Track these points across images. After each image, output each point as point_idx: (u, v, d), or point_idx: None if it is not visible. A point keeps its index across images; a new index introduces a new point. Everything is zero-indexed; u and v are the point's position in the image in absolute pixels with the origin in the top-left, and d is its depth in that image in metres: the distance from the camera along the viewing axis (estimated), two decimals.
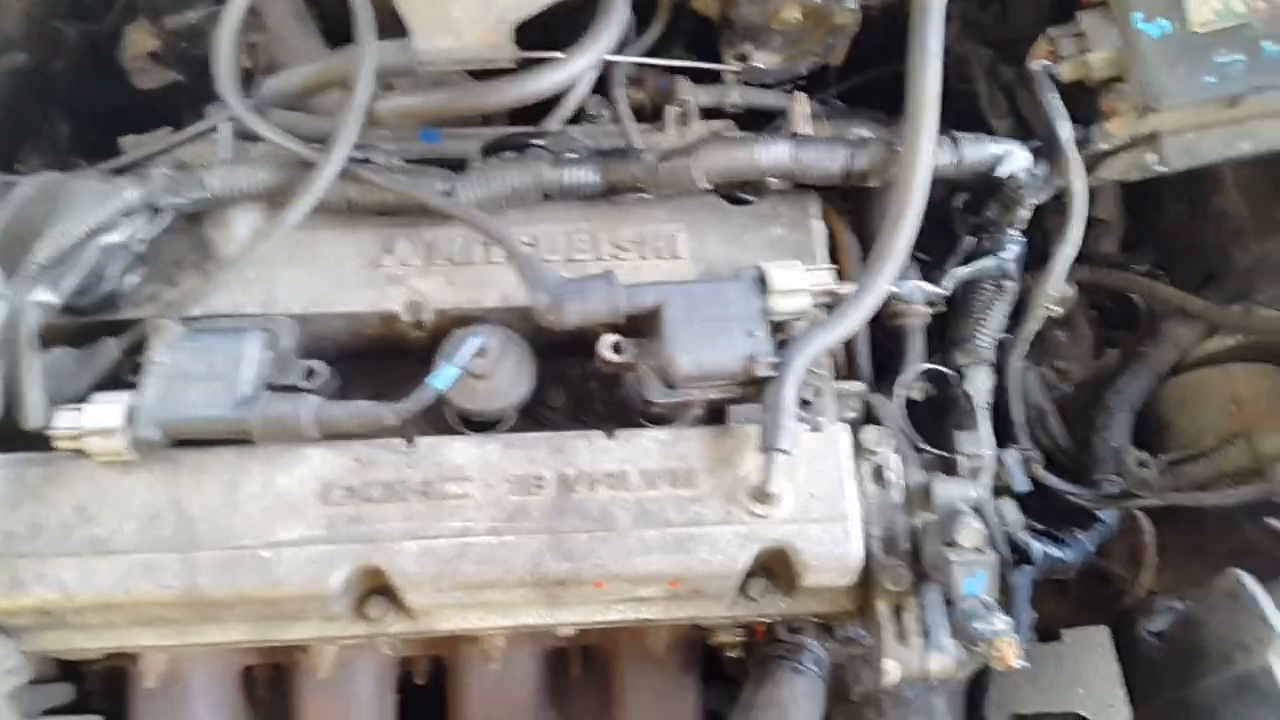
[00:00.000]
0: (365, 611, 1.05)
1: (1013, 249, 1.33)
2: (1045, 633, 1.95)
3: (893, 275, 1.09)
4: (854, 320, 1.07)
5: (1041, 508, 1.46)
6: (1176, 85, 1.21)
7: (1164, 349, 1.61)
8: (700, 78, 1.37)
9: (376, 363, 1.15)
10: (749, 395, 1.06)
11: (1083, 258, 1.69)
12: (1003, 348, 1.38)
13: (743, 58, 1.31)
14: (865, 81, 1.52)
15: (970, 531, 1.03)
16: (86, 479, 1.00)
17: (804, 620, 1.23)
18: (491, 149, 1.21)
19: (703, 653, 1.33)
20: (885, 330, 1.37)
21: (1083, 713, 1.60)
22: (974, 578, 1.02)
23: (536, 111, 1.27)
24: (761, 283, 1.08)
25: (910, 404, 1.26)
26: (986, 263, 1.32)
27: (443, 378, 0.98)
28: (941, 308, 1.38)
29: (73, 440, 0.98)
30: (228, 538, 0.99)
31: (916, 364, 1.30)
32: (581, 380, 1.20)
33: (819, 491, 1.05)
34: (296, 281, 1.11)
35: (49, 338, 1.02)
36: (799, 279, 1.08)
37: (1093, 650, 2.11)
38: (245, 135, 1.16)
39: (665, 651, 1.29)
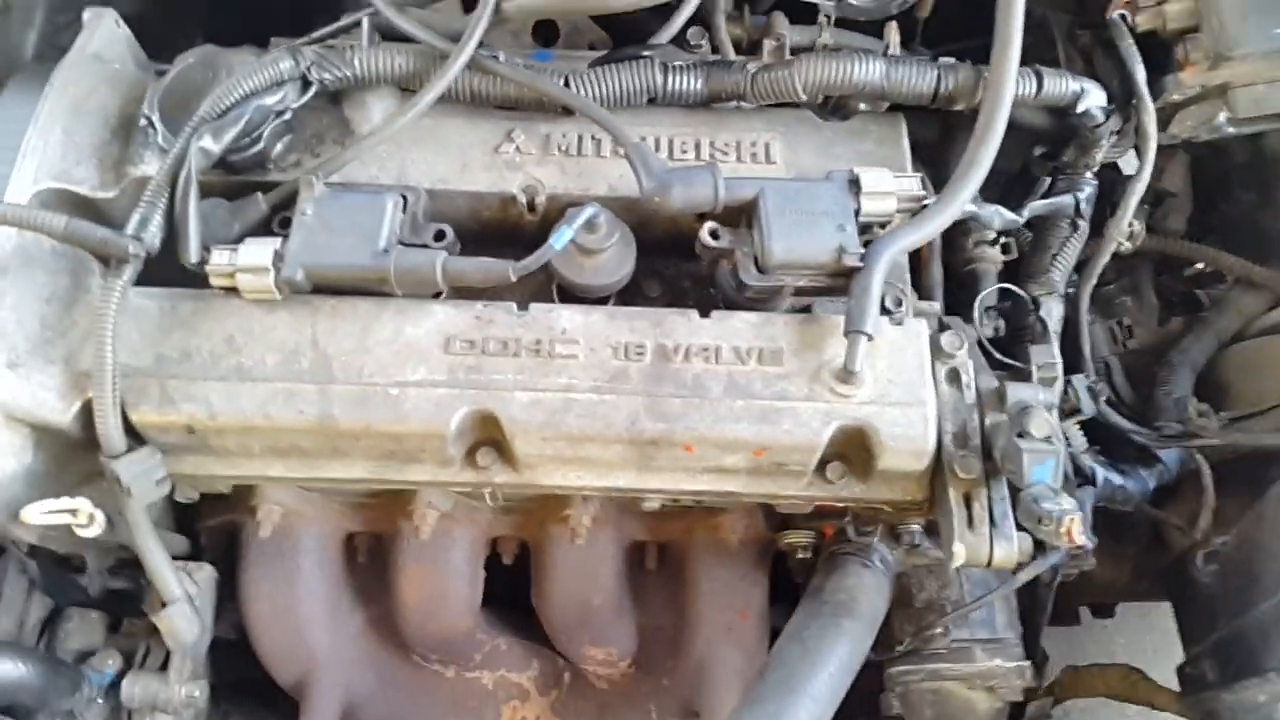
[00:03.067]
0: (475, 460, 1.15)
1: (1087, 189, 1.41)
2: (1100, 607, 1.98)
3: (976, 185, 1.16)
4: (939, 222, 1.15)
5: (1103, 450, 1.52)
6: (1249, 34, 1.27)
7: (1228, 316, 1.66)
8: (794, 18, 1.46)
9: (490, 248, 1.25)
10: (836, 286, 1.14)
11: (1150, 230, 1.75)
12: (1071, 285, 1.44)
13: None
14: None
15: (1041, 422, 1.10)
16: (234, 314, 1.11)
17: (872, 521, 1.30)
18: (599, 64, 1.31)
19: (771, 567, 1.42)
20: (957, 276, 1.45)
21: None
22: (1043, 465, 1.08)
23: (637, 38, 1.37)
24: (853, 184, 1.16)
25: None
26: (1063, 199, 1.39)
27: (560, 238, 1.08)
28: (1013, 255, 1.46)
29: (226, 277, 1.09)
30: (360, 375, 1.09)
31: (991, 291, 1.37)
32: (675, 277, 1.29)
33: (898, 379, 1.12)
34: (425, 161, 1.22)
35: (204, 191, 1.13)
36: (889, 183, 1.16)
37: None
38: (382, 33, 1.27)
39: (739, 545, 1.37)
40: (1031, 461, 1.08)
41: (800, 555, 1.38)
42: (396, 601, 1.38)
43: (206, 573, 1.32)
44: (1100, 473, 1.36)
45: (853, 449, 1.14)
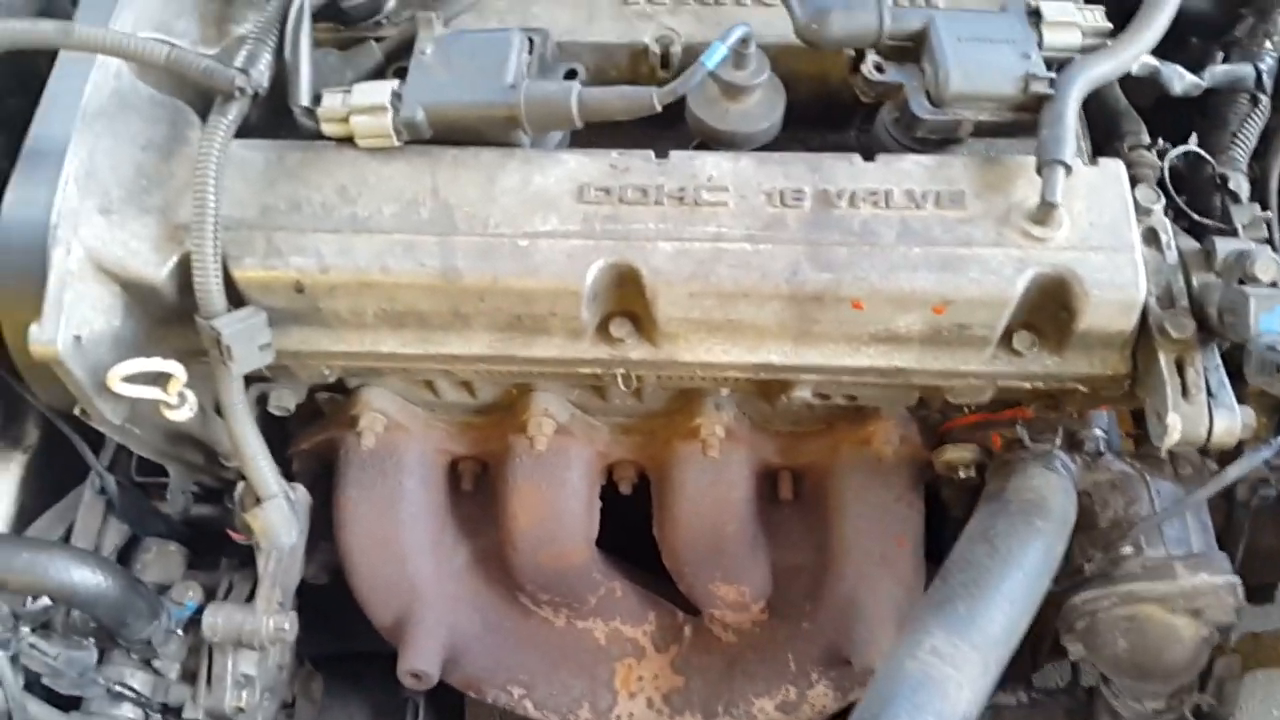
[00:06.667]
0: (609, 331, 1.01)
1: (1269, 60, 1.27)
2: (1257, 589, 1.75)
3: (1170, 14, 1.04)
4: (1134, 51, 1.02)
5: None
6: None
7: None
8: None
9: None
10: (1020, 122, 1.01)
11: None
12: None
13: None
14: None
15: (1268, 264, 0.95)
16: (347, 164, 1.00)
17: (1050, 427, 1.14)
18: None
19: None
20: None
21: None
22: (1272, 313, 0.93)
23: None
24: (1033, 15, 1.03)
25: None
26: (1242, 68, 1.25)
27: (712, 55, 0.96)
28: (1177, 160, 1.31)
29: (339, 122, 0.98)
30: (485, 225, 0.98)
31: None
32: (821, 149, 1.15)
33: (1100, 222, 0.98)
34: (549, 13, 1.11)
35: (314, 44, 1.03)
36: (1072, 13, 1.04)
37: None
38: None
39: (893, 459, 1.20)
40: (1259, 308, 0.92)
41: (962, 474, 1.21)
42: (506, 527, 1.23)
43: (301, 494, 1.18)
44: None
45: (1046, 312, 0.99)
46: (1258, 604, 1.84)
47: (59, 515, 1.24)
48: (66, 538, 1.21)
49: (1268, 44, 1.26)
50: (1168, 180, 1.15)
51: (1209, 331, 0.99)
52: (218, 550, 1.27)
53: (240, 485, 1.12)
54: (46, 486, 1.27)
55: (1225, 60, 1.28)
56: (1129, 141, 1.26)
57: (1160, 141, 1.28)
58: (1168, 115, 1.26)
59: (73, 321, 0.92)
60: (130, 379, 0.95)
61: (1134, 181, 1.23)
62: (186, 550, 1.27)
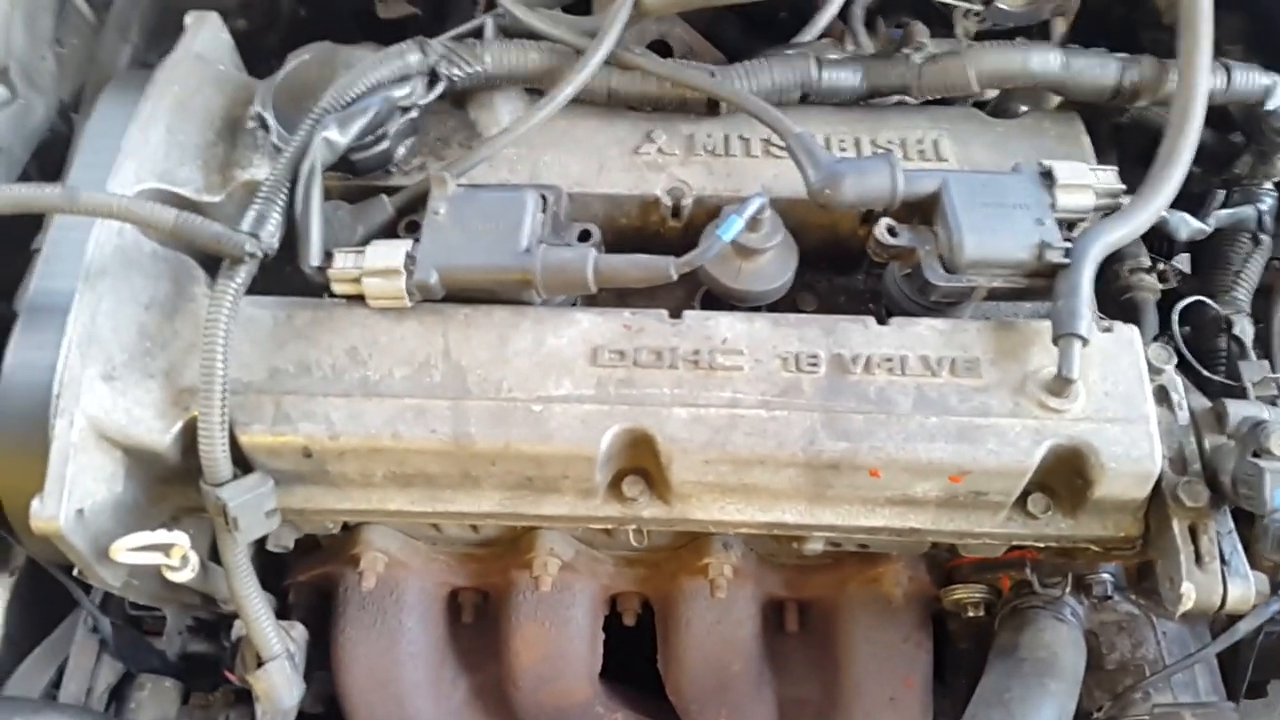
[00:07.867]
0: (621, 490, 1.00)
1: (1268, 200, 1.28)
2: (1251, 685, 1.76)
3: (1181, 176, 1.04)
4: (1147, 215, 1.02)
5: None
6: None
7: None
8: (932, 30, 1.36)
9: None
10: (1034, 288, 1.01)
11: None
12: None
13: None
14: None
15: None
16: (358, 324, 0.99)
17: (1059, 571, 1.14)
18: None
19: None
20: (1111, 309, 1.31)
21: None
22: None
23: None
24: (1045, 177, 1.04)
25: None
26: (1244, 210, 1.26)
27: (729, 228, 0.95)
28: (1171, 285, 1.32)
29: (351, 282, 0.97)
30: (498, 389, 0.96)
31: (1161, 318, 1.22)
32: (830, 292, 1.16)
33: (1115, 392, 0.97)
34: (560, 163, 1.11)
35: (324, 194, 1.02)
36: (1086, 175, 1.04)
37: None
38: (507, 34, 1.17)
39: (902, 600, 1.20)
40: (1274, 483, 0.92)
41: (970, 614, 1.20)
42: (508, 665, 1.21)
43: (300, 631, 1.16)
44: None
45: (1061, 476, 0.99)
46: (1252, 699, 1.85)
47: (50, 650, 1.21)
48: (59, 677, 1.18)
49: (1267, 184, 1.28)
50: (1176, 330, 1.15)
51: (1221, 495, 0.99)
52: (212, 677, 1.24)
53: (238, 626, 1.10)
54: (34, 610, 1.24)
55: (1227, 196, 1.29)
56: (1129, 264, 1.27)
57: (1160, 265, 1.30)
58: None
59: (75, 495, 0.90)
60: (133, 549, 0.92)
61: (1137, 307, 1.25)
62: (181, 685, 1.24)
